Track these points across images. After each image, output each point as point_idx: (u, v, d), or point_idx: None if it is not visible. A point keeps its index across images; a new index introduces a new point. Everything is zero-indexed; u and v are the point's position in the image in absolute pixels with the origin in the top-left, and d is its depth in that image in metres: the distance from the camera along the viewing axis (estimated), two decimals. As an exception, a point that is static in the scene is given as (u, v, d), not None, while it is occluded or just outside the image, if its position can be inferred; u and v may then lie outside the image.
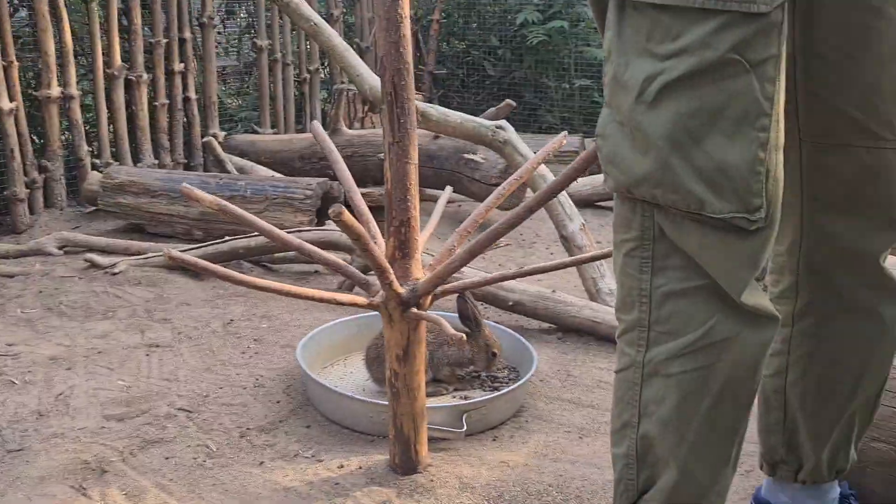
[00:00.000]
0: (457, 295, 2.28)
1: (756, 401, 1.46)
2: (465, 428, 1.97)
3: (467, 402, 2.02)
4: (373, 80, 3.12)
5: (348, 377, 2.33)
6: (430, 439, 1.92)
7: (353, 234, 1.34)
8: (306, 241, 2.42)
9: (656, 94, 1.07)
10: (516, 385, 2.11)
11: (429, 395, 2.18)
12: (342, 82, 5.64)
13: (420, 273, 1.71)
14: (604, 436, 2.05)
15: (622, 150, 1.13)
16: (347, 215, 1.26)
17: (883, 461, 1.60)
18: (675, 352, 1.16)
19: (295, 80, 5.57)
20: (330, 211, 1.24)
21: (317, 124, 1.86)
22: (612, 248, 1.54)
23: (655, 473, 1.24)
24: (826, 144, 1.23)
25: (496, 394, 2.07)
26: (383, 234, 1.73)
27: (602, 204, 4.60)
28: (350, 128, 5.03)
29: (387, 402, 1.81)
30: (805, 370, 1.39)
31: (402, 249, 1.67)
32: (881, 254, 1.31)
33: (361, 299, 1.66)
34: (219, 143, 4.60)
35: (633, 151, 1.11)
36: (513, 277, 1.71)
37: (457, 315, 2.27)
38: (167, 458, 1.88)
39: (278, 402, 2.17)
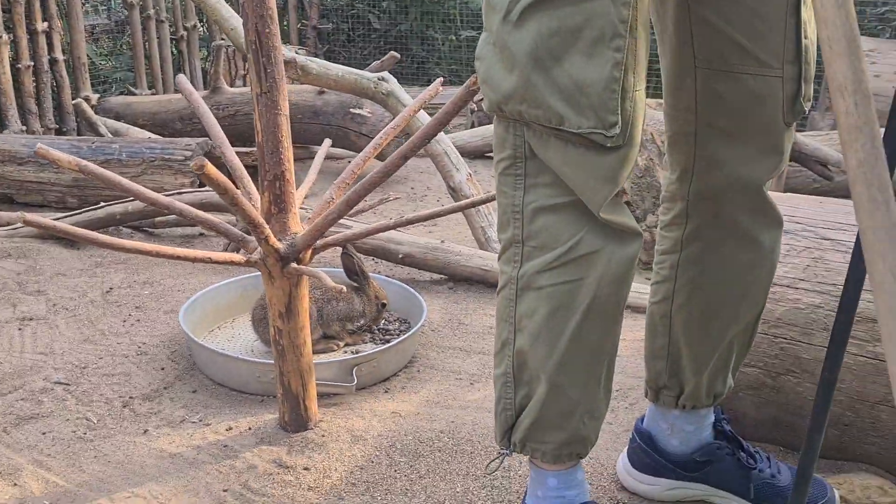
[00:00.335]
0: (341, 251, 2.26)
1: (645, 328, 1.52)
2: (356, 381, 1.96)
3: (356, 355, 2.01)
4: (248, 34, 3.02)
5: (235, 339, 2.28)
6: (321, 395, 1.90)
7: (220, 189, 1.28)
8: (187, 203, 2.34)
9: (520, 13, 1.12)
10: (405, 336, 2.11)
11: (320, 352, 2.16)
12: (221, 39, 5.44)
13: (298, 227, 1.67)
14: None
15: (494, 69, 1.17)
16: (210, 167, 1.21)
17: (753, 385, 1.68)
18: (544, 265, 1.22)
19: (171, 38, 5.34)
20: (192, 164, 1.19)
21: (182, 77, 1.78)
22: (487, 195, 1.56)
23: (530, 391, 1.29)
24: (717, 71, 1.27)
25: (385, 346, 2.07)
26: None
27: (492, 155, 4.63)
28: (232, 86, 4.87)
29: (273, 361, 1.78)
30: (690, 295, 1.44)
31: (278, 204, 1.62)
32: (764, 181, 1.36)
33: (238, 257, 1.61)
34: (92, 106, 4.38)
35: (502, 70, 1.16)
36: (394, 227, 1.69)
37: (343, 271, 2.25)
38: (44, 434, 1.80)
39: (163, 368, 2.11)
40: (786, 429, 1.69)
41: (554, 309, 1.23)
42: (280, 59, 1.52)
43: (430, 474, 1.66)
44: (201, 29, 5.75)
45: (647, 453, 1.58)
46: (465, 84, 1.31)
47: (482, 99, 1.22)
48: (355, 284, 2.24)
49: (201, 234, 3.22)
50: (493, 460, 1.42)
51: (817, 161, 3.35)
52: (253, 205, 1.62)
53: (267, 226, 1.53)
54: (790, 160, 3.20)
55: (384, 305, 2.24)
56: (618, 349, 1.33)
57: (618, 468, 1.64)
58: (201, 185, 3.32)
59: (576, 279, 1.22)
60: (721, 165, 1.33)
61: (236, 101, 4.27)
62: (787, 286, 1.65)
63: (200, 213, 1.53)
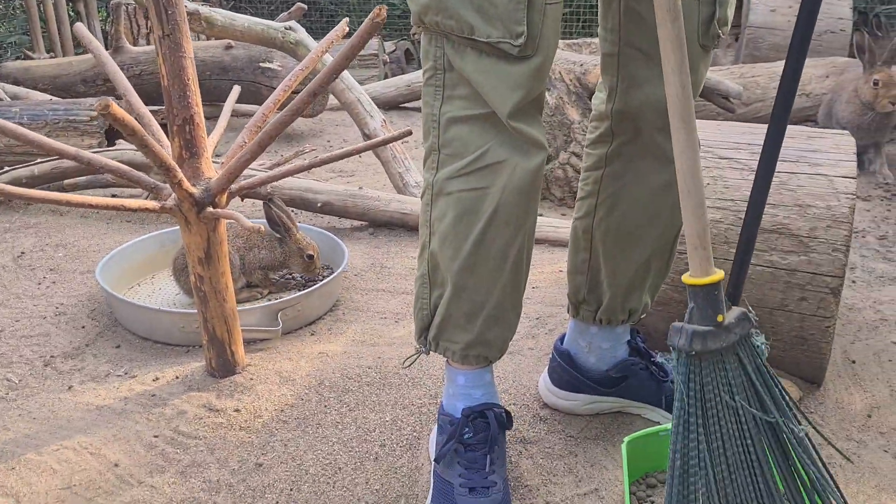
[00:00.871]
0: (263, 202, 2.26)
1: (569, 243, 1.60)
2: (281, 326, 1.98)
3: (280, 300, 2.02)
4: (148, -13, 2.94)
5: (157, 294, 2.27)
6: (248, 342, 1.92)
7: (128, 129, 1.27)
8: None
9: None
10: (327, 279, 2.14)
11: (244, 300, 2.17)
12: (121, -2, 5.25)
13: (212, 172, 1.66)
14: (418, 316, 2.13)
15: None
16: (116, 107, 1.20)
17: (662, 301, 1.76)
18: (454, 172, 1.30)
19: (68, 0, 5.13)
20: (96, 104, 1.18)
21: (80, 27, 1.73)
22: (401, 132, 1.60)
23: (442, 291, 1.37)
24: None
25: (308, 290, 2.09)
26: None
27: (407, 105, 4.63)
28: (135, 45, 4.73)
29: (196, 312, 1.78)
30: (610, 210, 1.52)
31: (189, 149, 1.61)
32: None
33: (152, 204, 1.60)
34: (-13, 71, 4.20)
35: None
36: (308, 168, 1.70)
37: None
38: (-36, 398, 1.77)
39: (83, 327, 2.08)
40: (694, 339, 1.78)
41: (461, 214, 1.31)
42: (181, 1, 1.50)
43: (360, 406, 1.70)
44: (99, -12, 5.54)
45: (567, 371, 1.65)
46: (369, 15, 1.32)
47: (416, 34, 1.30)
48: (277, 235, 2.24)
49: (113, 196, 3.15)
50: (410, 356, 1.51)
51: (720, 94, 3.47)
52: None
53: (179, 170, 1.52)
54: (693, 93, 3.30)
55: (311, 257, 2.25)
56: (528, 264, 1.39)
57: (539, 386, 1.71)
58: (109, 145, 3.24)
59: (482, 187, 1.29)
60: (640, 85, 1.39)
61: (141, 61, 4.16)
62: (690, 204, 1.73)
63: (120, 165, 1.51)
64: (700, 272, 1.13)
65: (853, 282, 2.29)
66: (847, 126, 3.26)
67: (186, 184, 1.55)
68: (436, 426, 1.53)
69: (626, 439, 1.40)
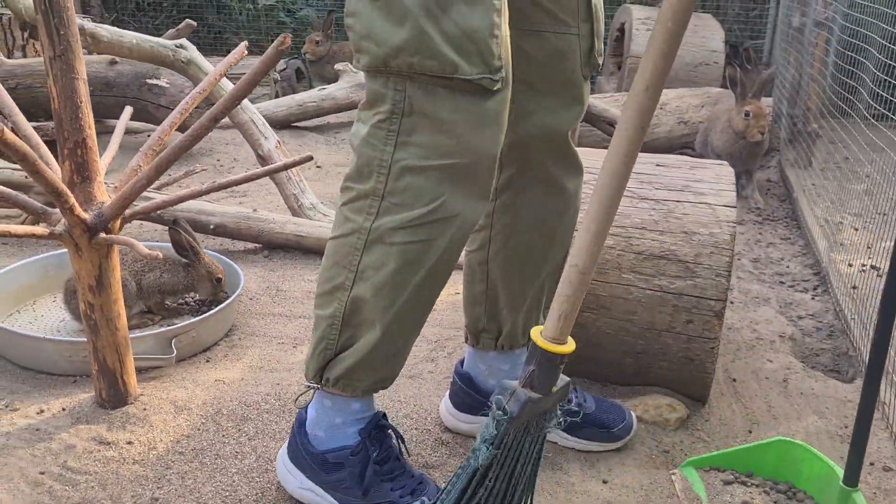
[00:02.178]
0: (168, 226, 2.19)
1: (464, 276, 1.62)
2: (175, 353, 1.92)
3: (174, 326, 1.97)
4: (28, 0, 2.82)
5: (39, 321, 2.16)
6: (139, 370, 1.86)
7: (19, 154, 1.22)
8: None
9: None
10: (223, 305, 2.09)
11: (135, 327, 2.10)
12: (-6, 7, 5.00)
13: (104, 197, 1.61)
14: (317, 341, 2.11)
15: (376, 24, 1.20)
16: (9, 133, 1.15)
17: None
18: (402, 222, 1.28)
19: (-67, 6, 4.84)
20: (-14, 129, 1.13)
21: (-38, 42, 1.65)
22: (302, 157, 1.59)
23: (357, 334, 1.36)
24: (523, 31, 1.38)
25: (202, 316, 2.04)
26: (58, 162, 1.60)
27: (299, 125, 4.59)
28: (10, 57, 4.50)
29: (83, 340, 1.71)
30: (505, 241, 1.56)
31: (81, 173, 1.56)
32: (569, 130, 1.50)
33: (40, 230, 1.53)
34: None
35: (388, 24, 1.19)
36: (207, 192, 1.67)
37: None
38: None
39: (-43, 357, 1.96)
40: (588, 361, 1.85)
41: (403, 265, 1.30)
42: (73, 19, 1.46)
43: (260, 435, 1.67)
44: (-32, -4, 5.25)
45: (468, 394, 1.68)
46: (274, 43, 1.32)
47: (359, 59, 1.25)
48: (184, 260, 2.18)
49: (-12, 217, 2.99)
50: (302, 394, 1.48)
51: (605, 121, 3.61)
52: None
53: (71, 195, 1.46)
54: (583, 121, 3.43)
55: (219, 280, 2.20)
56: None
57: (441, 410, 1.73)
58: (-16, 163, 3.07)
59: (429, 239, 1.29)
60: (530, 116, 1.45)
61: (16, 74, 3.96)
62: (584, 231, 1.80)
63: (-5, 185, 1.44)
64: (559, 336, 1.14)
65: (731, 303, 2.43)
66: (721, 154, 3.46)
67: (78, 209, 1.49)
68: (292, 471, 1.48)
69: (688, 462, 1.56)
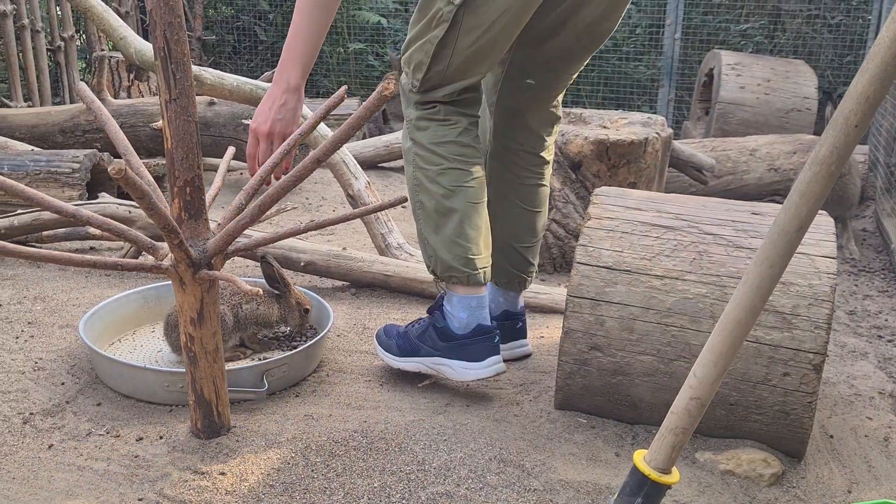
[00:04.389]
0: (260, 261, 2.27)
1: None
2: (267, 387, 1.97)
3: (266, 360, 2.02)
4: (138, 44, 2.97)
5: (138, 351, 2.24)
6: (232, 402, 1.90)
7: (138, 193, 1.29)
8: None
9: None
10: (313, 341, 2.14)
11: (228, 359, 2.16)
12: (102, 49, 5.29)
13: (209, 234, 1.67)
14: (402, 381, 2.13)
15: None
16: (130, 172, 1.21)
17: (648, 371, 1.80)
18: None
19: (48, 49, 5.15)
20: (111, 168, 1.19)
21: (84, 86, 1.75)
22: (396, 199, 1.66)
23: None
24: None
25: (294, 351, 2.09)
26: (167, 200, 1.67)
27: (385, 165, 4.68)
28: (115, 97, 4.75)
29: (182, 370, 1.77)
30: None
31: (189, 210, 1.63)
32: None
33: (148, 264, 1.61)
34: (-36, 118, 4.17)
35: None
36: (304, 231, 1.72)
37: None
38: (-61, 455, 1.73)
39: (63, 383, 2.05)
40: (678, 411, 1.81)
41: None
42: (189, 65, 1.53)
43: (347, 472, 1.69)
44: (79, 40, 5.57)
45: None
46: (378, 88, 1.36)
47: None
48: (276, 292, 2.25)
49: (91, 249, 3.13)
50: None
51: (693, 166, 3.58)
52: (162, 211, 1.62)
53: (181, 231, 1.53)
54: (669, 166, 3.39)
55: (307, 311, 2.26)
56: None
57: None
58: (90, 198, 3.23)
59: None
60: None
61: (122, 113, 4.17)
62: (676, 278, 1.78)
63: (110, 220, 1.52)
64: (668, 466, 1.10)
65: (826, 356, 2.35)
66: (815, 202, 3.37)
67: (186, 246, 1.55)
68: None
69: None
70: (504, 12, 1.79)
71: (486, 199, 1.98)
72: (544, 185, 2.17)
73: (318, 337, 2.16)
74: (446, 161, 1.92)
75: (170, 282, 1.86)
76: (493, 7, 1.79)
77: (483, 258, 1.96)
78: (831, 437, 1.89)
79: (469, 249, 1.93)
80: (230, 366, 2.00)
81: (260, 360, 2.19)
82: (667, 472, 1.10)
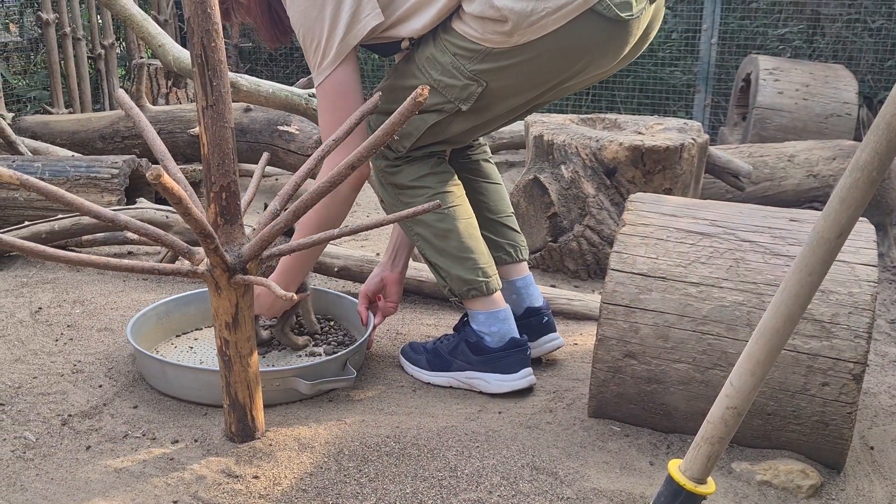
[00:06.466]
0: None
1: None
2: (355, 374, 2.07)
3: (347, 349, 2.11)
4: (176, 51, 3.01)
5: (188, 353, 2.27)
6: (267, 405, 1.92)
7: (175, 198, 1.30)
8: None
9: None
10: (358, 342, 2.15)
11: (302, 346, 2.25)
12: (141, 57, 5.37)
13: (244, 239, 1.69)
14: (434, 387, 2.13)
15: None
16: (167, 177, 1.23)
17: (683, 380, 1.78)
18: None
19: (88, 57, 5.24)
20: (148, 173, 1.21)
21: (123, 93, 1.78)
22: (430, 204, 1.67)
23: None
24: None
25: (359, 341, 2.16)
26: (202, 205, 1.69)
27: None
28: (154, 104, 4.82)
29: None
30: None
31: (225, 215, 1.64)
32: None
33: (185, 268, 1.62)
34: (7, 124, 4.26)
35: None
36: (339, 237, 1.73)
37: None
38: (-19, 455, 1.76)
39: (100, 386, 2.08)
40: (714, 420, 1.79)
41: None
42: (226, 72, 1.55)
43: (379, 477, 1.69)
44: (119, 47, 5.66)
45: None
46: (412, 94, 1.37)
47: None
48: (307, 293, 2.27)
49: (130, 253, 3.18)
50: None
51: (729, 173, 3.53)
52: (198, 217, 1.64)
53: (217, 237, 1.54)
54: (706, 172, 3.35)
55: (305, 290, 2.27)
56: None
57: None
58: (129, 203, 3.28)
59: None
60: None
61: (160, 119, 4.23)
62: (712, 286, 1.76)
63: (148, 226, 1.54)
64: (703, 477, 1.09)
65: (867, 365, 2.30)
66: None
67: (222, 251, 1.57)
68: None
69: None
70: (508, 111, 1.99)
71: (473, 213, 2.10)
72: (488, 161, 2.32)
73: (362, 339, 2.16)
74: (430, 189, 2.03)
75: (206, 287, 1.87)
76: (496, 108, 1.96)
77: (490, 266, 2.07)
78: (872, 448, 1.86)
79: (476, 260, 2.04)
80: (313, 360, 2.12)
81: (307, 355, 2.21)
82: (702, 482, 1.08)
